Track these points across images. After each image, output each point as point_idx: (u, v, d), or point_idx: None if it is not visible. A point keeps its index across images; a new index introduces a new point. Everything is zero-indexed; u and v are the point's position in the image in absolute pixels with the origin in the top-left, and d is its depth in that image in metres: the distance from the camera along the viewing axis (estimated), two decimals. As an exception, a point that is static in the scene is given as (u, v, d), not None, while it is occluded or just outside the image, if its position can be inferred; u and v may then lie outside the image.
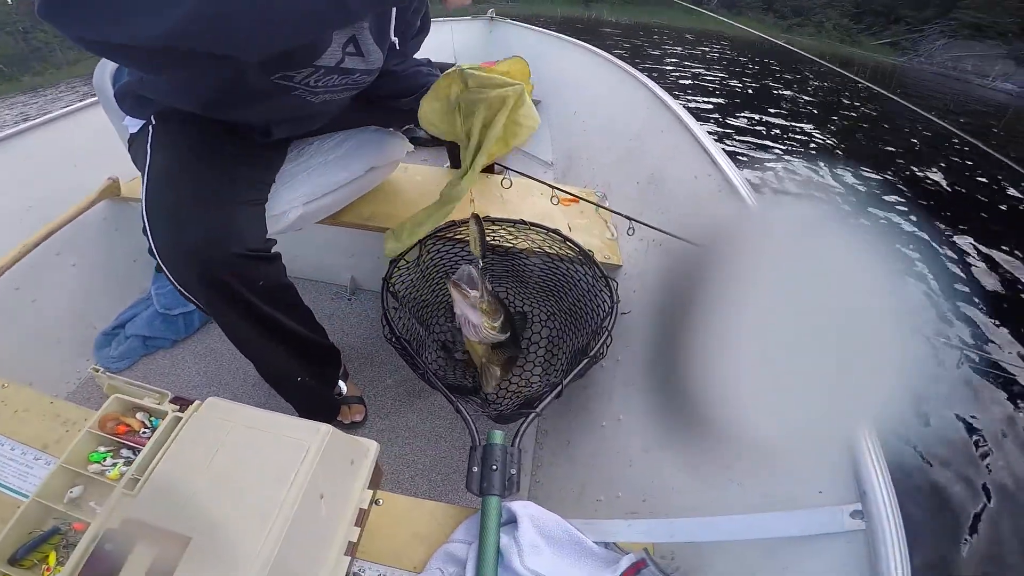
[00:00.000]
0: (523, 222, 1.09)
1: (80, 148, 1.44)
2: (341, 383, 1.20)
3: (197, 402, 0.59)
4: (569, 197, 1.26)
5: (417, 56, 1.20)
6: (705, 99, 8.84)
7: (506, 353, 1.07)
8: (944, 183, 5.92)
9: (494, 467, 0.67)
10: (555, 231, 1.07)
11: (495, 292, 0.96)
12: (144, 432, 0.63)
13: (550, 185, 1.21)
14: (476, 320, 0.92)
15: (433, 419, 1.25)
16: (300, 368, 1.05)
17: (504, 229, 1.10)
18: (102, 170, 1.39)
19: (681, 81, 10.03)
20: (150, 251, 0.86)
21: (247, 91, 0.86)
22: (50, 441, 0.88)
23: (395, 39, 1.00)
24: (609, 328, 0.93)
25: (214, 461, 0.51)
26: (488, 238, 1.09)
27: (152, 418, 0.64)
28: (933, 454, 2.20)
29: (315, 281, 1.61)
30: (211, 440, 0.52)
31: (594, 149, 1.86)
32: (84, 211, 1.34)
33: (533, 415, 0.82)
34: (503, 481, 0.66)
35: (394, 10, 0.95)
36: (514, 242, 1.10)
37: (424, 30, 1.13)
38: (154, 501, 0.50)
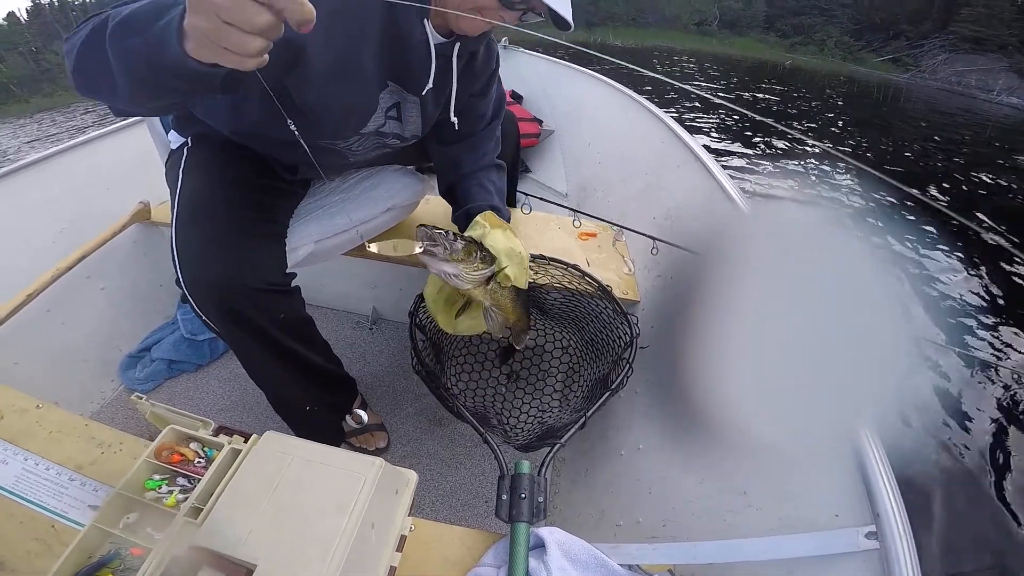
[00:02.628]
0: (543, 257, 1.14)
1: (113, 171, 1.49)
2: (361, 412, 1.23)
3: (255, 436, 0.63)
4: (587, 232, 1.31)
5: None
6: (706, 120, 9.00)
7: (515, 306, 1.02)
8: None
9: (523, 495, 0.70)
10: (574, 266, 1.11)
11: (459, 235, 0.91)
12: (198, 462, 0.66)
13: (572, 209, 1.25)
14: (453, 270, 0.89)
15: (453, 446, 1.28)
16: (310, 397, 1.09)
17: None
18: (134, 193, 1.43)
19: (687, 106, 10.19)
20: (177, 281, 0.90)
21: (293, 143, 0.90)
22: (84, 462, 0.91)
23: (455, 119, 1.04)
24: (630, 361, 0.97)
25: (276, 492, 0.54)
26: None
27: (205, 448, 0.68)
28: (944, 469, 2.22)
29: (337, 310, 1.65)
30: (271, 472, 0.56)
31: (609, 182, 1.88)
32: (116, 235, 1.39)
33: (558, 445, 0.84)
34: (531, 508, 0.69)
35: (454, 89, 0.99)
36: (535, 277, 1.14)
37: (496, 118, 1.17)
38: (218, 530, 0.53)
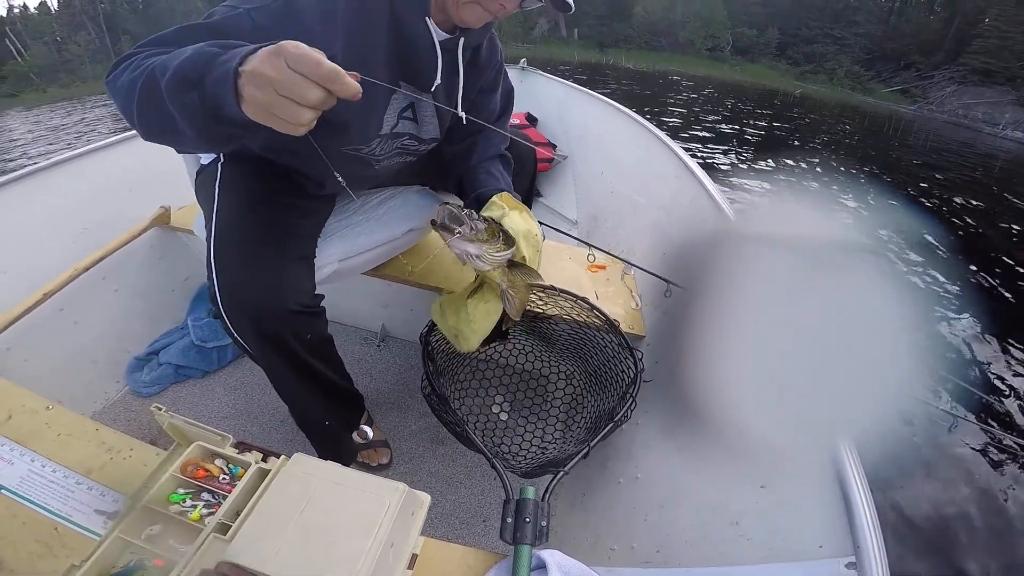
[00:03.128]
0: (553, 288, 1.17)
1: (136, 174, 1.52)
2: (367, 428, 1.26)
3: (284, 457, 0.65)
4: (597, 264, 1.34)
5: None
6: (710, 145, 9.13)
7: (526, 276, 1.01)
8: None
9: (527, 519, 0.73)
10: (583, 299, 1.15)
11: (482, 216, 0.91)
12: (223, 478, 0.68)
13: (586, 243, 1.28)
14: (476, 251, 0.89)
15: (454, 465, 1.30)
16: (328, 413, 1.12)
17: (535, 293, 1.18)
18: (155, 197, 1.46)
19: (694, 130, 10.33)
20: (212, 299, 0.92)
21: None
22: (93, 467, 0.92)
23: (463, 114, 1.05)
24: (633, 395, 1.00)
25: (303, 513, 0.57)
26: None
27: (230, 465, 0.70)
28: (924, 496, 2.27)
29: (346, 325, 1.67)
30: (299, 493, 0.59)
31: (620, 214, 1.89)
32: (135, 238, 1.42)
33: (562, 473, 0.88)
34: (534, 532, 0.72)
35: (461, 83, 1.02)
36: (544, 308, 1.17)
37: (506, 113, 1.20)
38: (247, 546, 0.55)
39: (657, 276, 1.13)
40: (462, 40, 0.95)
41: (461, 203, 1.06)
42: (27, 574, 0.78)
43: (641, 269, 1.22)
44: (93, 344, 1.40)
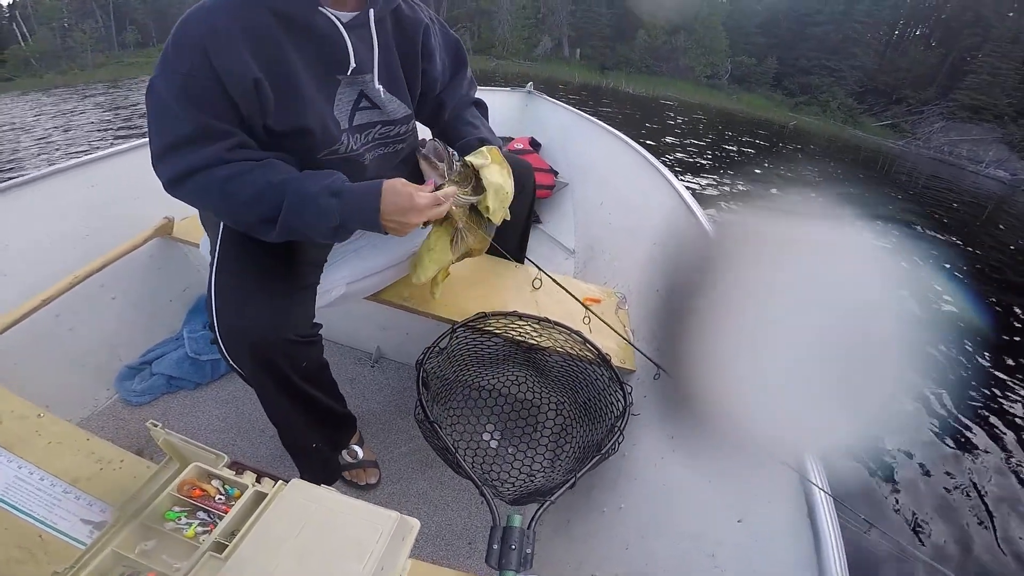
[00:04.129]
0: (548, 320, 1.20)
1: (142, 183, 1.52)
2: (357, 448, 1.27)
3: (281, 482, 0.67)
4: (592, 296, 1.37)
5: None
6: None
7: (482, 232, 1.15)
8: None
9: (513, 546, 0.75)
10: (577, 333, 1.18)
11: (463, 160, 1.05)
12: (219, 498, 0.70)
13: (578, 301, 1.29)
14: (449, 189, 0.99)
15: (442, 488, 1.32)
16: (317, 436, 1.13)
17: (530, 325, 1.21)
18: (158, 206, 1.47)
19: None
20: (210, 327, 0.95)
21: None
22: (81, 476, 0.92)
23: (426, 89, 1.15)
24: (621, 428, 1.02)
25: (300, 536, 0.59)
26: (515, 333, 1.20)
27: (226, 486, 0.72)
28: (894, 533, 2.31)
29: (340, 345, 1.69)
30: (296, 518, 0.60)
31: (617, 248, 1.91)
32: (137, 247, 1.43)
33: (548, 503, 0.90)
34: (519, 559, 0.75)
35: (397, 61, 1.05)
36: (539, 340, 1.20)
37: (460, 66, 1.23)
38: (243, 566, 0.57)
39: (648, 358, 1.16)
40: (372, 11, 0.97)
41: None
42: (3, 578, 0.79)
43: (637, 349, 1.24)
44: (87, 351, 1.41)
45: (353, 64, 0.96)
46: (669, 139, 12.85)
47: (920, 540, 2.35)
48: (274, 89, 0.88)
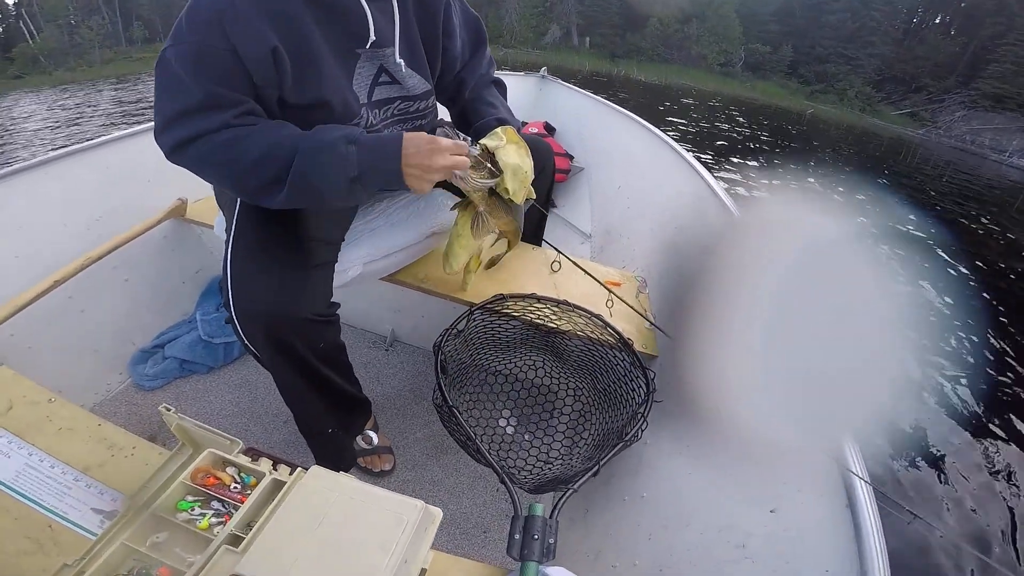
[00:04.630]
0: (567, 303, 1.16)
1: (155, 165, 1.51)
2: (372, 433, 1.25)
3: (300, 469, 0.64)
4: (612, 280, 1.33)
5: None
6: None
7: (508, 216, 1.12)
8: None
9: (535, 536, 0.73)
10: (597, 316, 1.14)
11: (477, 144, 1.01)
12: (234, 487, 0.67)
13: (600, 283, 1.26)
14: (462, 172, 0.96)
15: (457, 475, 1.29)
16: (333, 421, 1.11)
17: (548, 308, 1.17)
18: (172, 188, 1.46)
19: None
20: (225, 305, 0.92)
21: None
22: (92, 464, 0.90)
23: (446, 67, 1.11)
24: (644, 414, 0.99)
25: (320, 527, 0.56)
26: (533, 316, 1.17)
27: (242, 473, 0.69)
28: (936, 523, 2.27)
29: (355, 327, 1.66)
30: (316, 507, 0.57)
31: (636, 232, 1.87)
32: (150, 229, 1.41)
33: (571, 491, 0.87)
34: (541, 549, 0.73)
35: (418, 36, 1.02)
36: (558, 323, 1.17)
37: (480, 44, 1.20)
38: (261, 559, 0.54)
39: (652, 323, 1.13)
40: None
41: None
42: (13, 572, 0.77)
43: (663, 332, 1.20)
44: (99, 334, 1.39)
45: (373, 37, 0.93)
46: (684, 126, 12.71)
47: (962, 529, 2.31)
48: (292, 59, 0.85)
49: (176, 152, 0.85)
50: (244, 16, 0.80)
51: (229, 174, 0.86)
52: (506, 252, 1.37)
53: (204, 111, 0.82)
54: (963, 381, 3.44)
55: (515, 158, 1.02)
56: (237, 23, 0.79)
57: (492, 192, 1.05)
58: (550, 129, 2.96)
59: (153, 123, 0.86)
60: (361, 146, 0.85)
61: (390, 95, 1.02)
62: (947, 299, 4.61)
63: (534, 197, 1.12)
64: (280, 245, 0.95)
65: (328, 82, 0.90)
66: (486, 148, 0.99)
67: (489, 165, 0.99)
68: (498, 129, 1.03)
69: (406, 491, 1.11)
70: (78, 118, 10.73)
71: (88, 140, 1.44)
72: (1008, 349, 4.01)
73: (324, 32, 0.89)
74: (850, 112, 29.63)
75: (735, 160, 9.64)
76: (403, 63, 1.00)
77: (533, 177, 1.07)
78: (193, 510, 0.66)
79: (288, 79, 0.86)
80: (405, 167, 0.86)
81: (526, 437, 1.19)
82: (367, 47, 0.94)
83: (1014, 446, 2.92)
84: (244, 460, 0.69)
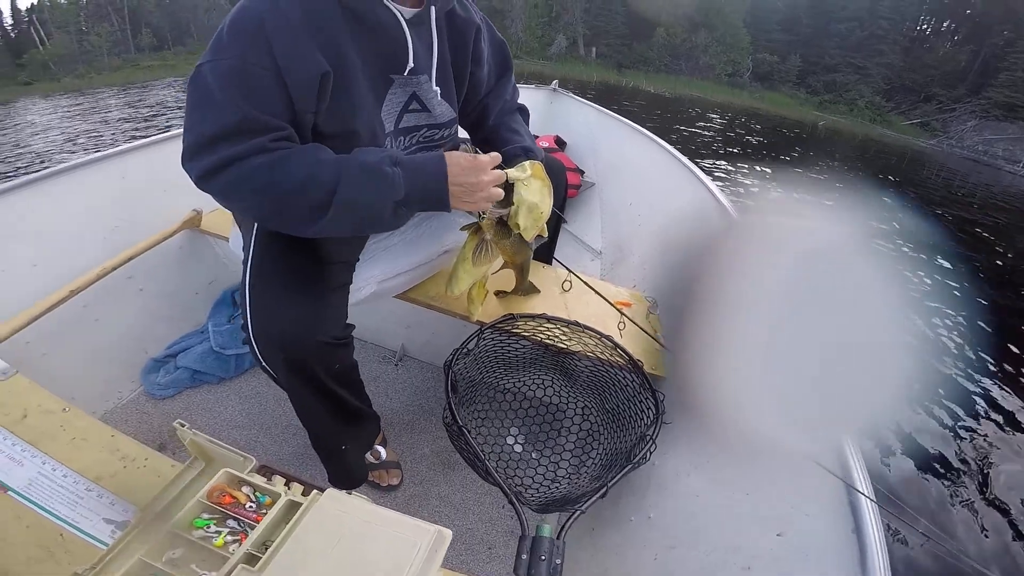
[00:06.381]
0: (577, 324, 1.17)
1: (170, 174, 1.52)
2: (381, 448, 1.26)
3: (316, 492, 0.65)
4: (622, 300, 1.34)
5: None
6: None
7: (519, 250, 1.14)
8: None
9: (543, 557, 0.74)
10: (607, 337, 1.15)
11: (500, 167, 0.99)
12: (249, 506, 0.68)
13: (612, 305, 1.26)
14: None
15: (464, 491, 1.30)
16: (347, 437, 1.11)
17: (559, 328, 1.18)
18: (187, 198, 1.46)
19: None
20: (243, 327, 0.92)
21: None
22: (105, 474, 0.91)
23: (471, 93, 1.10)
24: (653, 436, 1.00)
25: (336, 549, 0.57)
26: (543, 336, 1.18)
27: (257, 493, 0.70)
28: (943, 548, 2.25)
29: (364, 342, 1.67)
30: (331, 529, 0.59)
31: (647, 249, 1.86)
32: (165, 239, 1.43)
33: (578, 512, 0.87)
34: (548, 570, 0.73)
35: (450, 62, 1.01)
36: (567, 343, 1.17)
37: (506, 69, 1.19)
38: (277, 580, 0.55)
39: (663, 345, 1.13)
40: (433, 9, 0.93)
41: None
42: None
43: (648, 334, 1.21)
44: (112, 343, 1.41)
45: (411, 64, 0.92)
46: (697, 137, 12.71)
47: (971, 546, 2.28)
48: (334, 86, 0.83)
49: (206, 179, 0.80)
50: (290, 33, 0.76)
51: (266, 201, 0.80)
52: (512, 291, 1.32)
53: (239, 136, 0.77)
54: (975, 395, 3.42)
55: (536, 196, 1.00)
56: (282, 41, 0.76)
57: (502, 222, 1.04)
58: (561, 143, 2.94)
59: (182, 140, 0.81)
60: (405, 167, 0.84)
61: (418, 123, 1.01)
62: (963, 313, 4.60)
63: (546, 236, 1.10)
64: (300, 268, 0.94)
65: (360, 111, 0.88)
66: (505, 177, 0.97)
67: (506, 196, 0.97)
68: (526, 163, 1.01)
69: (412, 506, 1.11)
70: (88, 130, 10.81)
71: (107, 149, 1.46)
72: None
73: (363, 55, 0.86)
74: (860, 122, 29.47)
75: (748, 172, 9.64)
76: (439, 91, 1.00)
77: (548, 217, 1.06)
78: (209, 528, 0.67)
79: (324, 107, 0.84)
80: (452, 186, 0.86)
81: (533, 455, 1.20)
82: (404, 73, 0.93)
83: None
84: (259, 480, 0.70)
